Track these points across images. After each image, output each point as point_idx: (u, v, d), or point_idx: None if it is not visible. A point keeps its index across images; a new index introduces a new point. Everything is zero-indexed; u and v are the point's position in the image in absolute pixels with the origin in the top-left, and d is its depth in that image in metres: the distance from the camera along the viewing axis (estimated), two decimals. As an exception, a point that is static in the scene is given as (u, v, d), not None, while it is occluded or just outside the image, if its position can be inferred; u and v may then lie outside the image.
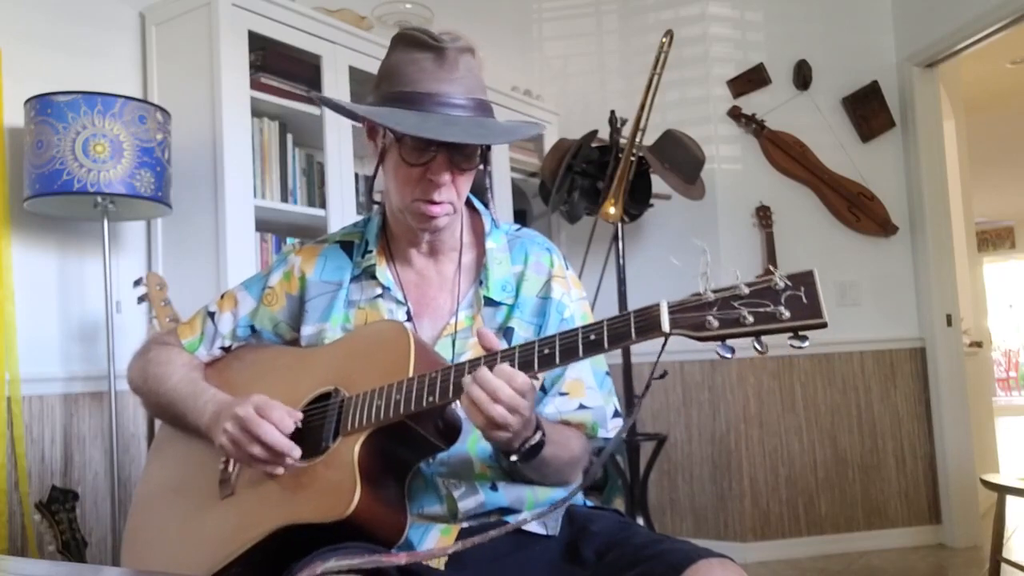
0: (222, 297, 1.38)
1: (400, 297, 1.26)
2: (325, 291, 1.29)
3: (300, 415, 1.13)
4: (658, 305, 0.94)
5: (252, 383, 1.27)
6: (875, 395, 3.64)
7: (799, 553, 3.48)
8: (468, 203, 1.33)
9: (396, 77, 1.16)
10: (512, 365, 1.00)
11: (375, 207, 1.35)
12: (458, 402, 1.09)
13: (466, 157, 1.17)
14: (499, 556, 1.12)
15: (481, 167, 1.23)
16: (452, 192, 1.18)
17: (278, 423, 1.10)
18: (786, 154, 3.67)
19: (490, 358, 1.01)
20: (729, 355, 0.91)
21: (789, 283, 0.88)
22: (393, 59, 1.18)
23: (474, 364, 1.01)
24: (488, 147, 1.21)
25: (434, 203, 1.17)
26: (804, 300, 0.87)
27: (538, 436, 1.06)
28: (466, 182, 1.20)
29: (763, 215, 3.61)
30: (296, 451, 1.10)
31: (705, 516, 3.57)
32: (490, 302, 1.24)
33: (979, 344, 4.50)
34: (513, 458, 1.05)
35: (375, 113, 1.15)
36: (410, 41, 1.16)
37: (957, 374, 3.61)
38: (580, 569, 1.11)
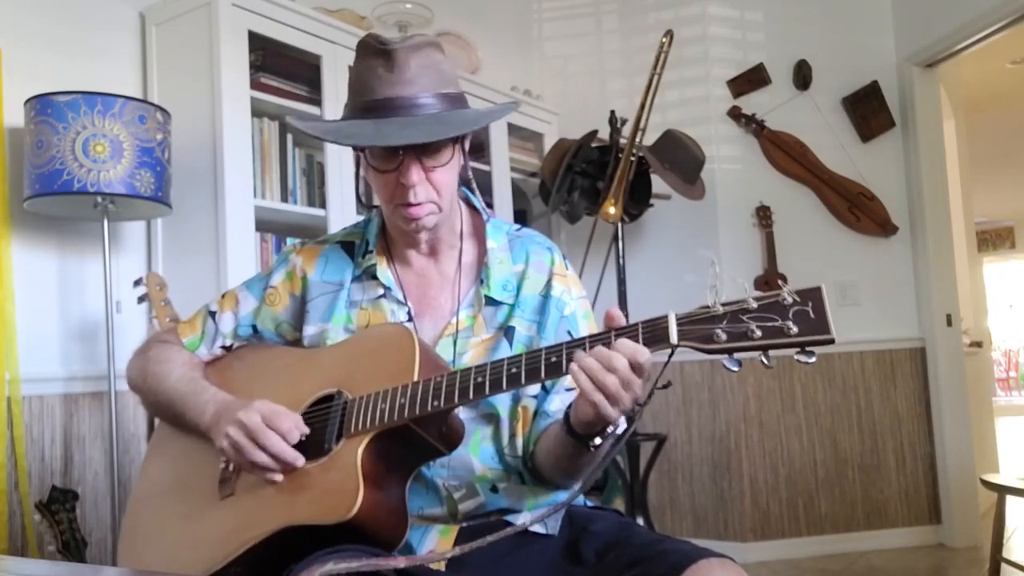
0: (223, 297, 1.38)
1: (400, 297, 1.26)
2: (326, 291, 1.29)
3: (306, 429, 1.12)
4: (666, 317, 0.94)
5: (253, 383, 1.27)
6: (875, 395, 3.64)
7: (799, 553, 3.48)
8: (468, 202, 1.33)
9: (357, 87, 1.18)
10: (518, 372, 1.00)
11: (374, 209, 1.35)
12: (462, 408, 1.08)
13: (433, 155, 1.16)
14: (499, 556, 1.12)
15: (462, 157, 1.22)
16: (430, 191, 1.17)
17: (286, 435, 1.10)
18: (786, 154, 3.67)
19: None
20: (736, 368, 0.92)
21: (797, 298, 0.89)
22: (355, 68, 1.19)
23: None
24: (459, 140, 1.20)
25: (413, 205, 1.17)
26: (812, 316, 0.89)
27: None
28: (444, 179, 1.18)
29: (763, 215, 3.61)
30: (300, 461, 1.10)
31: (705, 516, 3.57)
32: (491, 301, 1.24)
33: (979, 344, 4.50)
34: (598, 441, 1.04)
35: (330, 131, 1.17)
36: (364, 48, 1.17)
37: (957, 374, 3.61)
38: (580, 569, 1.11)
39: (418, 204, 1.17)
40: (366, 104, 1.15)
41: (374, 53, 1.15)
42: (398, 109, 1.13)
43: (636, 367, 0.95)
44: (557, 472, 1.17)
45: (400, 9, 3.16)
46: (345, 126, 1.16)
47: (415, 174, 1.15)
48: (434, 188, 1.17)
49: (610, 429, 1.04)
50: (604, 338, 0.97)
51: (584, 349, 0.98)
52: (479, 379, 1.02)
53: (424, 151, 1.15)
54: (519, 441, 1.20)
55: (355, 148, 1.21)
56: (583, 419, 1.02)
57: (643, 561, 1.02)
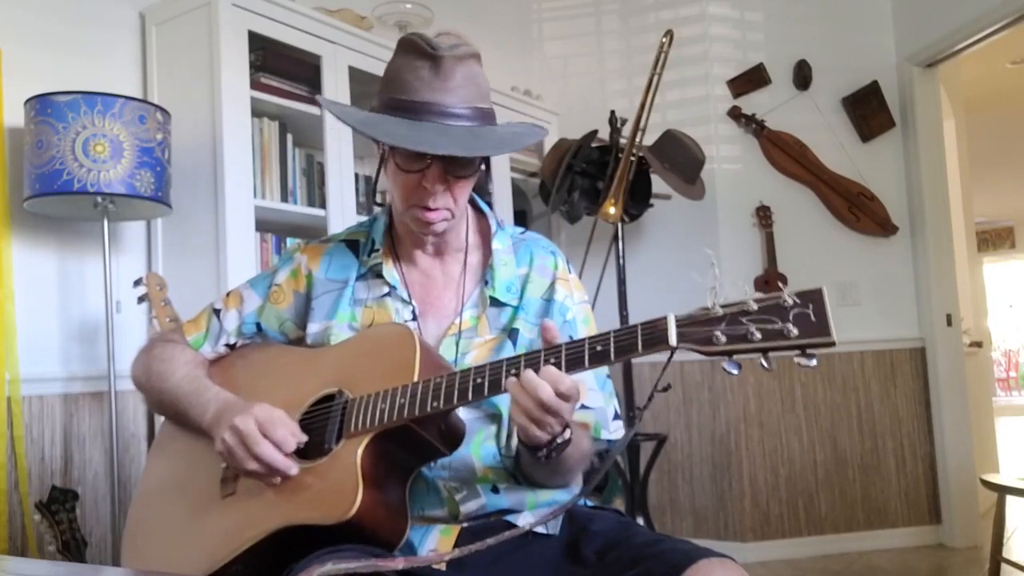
0: (227, 295, 1.38)
1: (405, 296, 1.26)
2: (331, 289, 1.29)
3: (304, 437, 1.12)
4: (665, 318, 0.94)
5: (256, 382, 1.27)
6: (875, 395, 3.64)
7: (799, 553, 3.48)
8: (473, 204, 1.34)
9: (395, 84, 1.17)
10: (518, 373, 0.99)
11: (378, 208, 1.35)
12: (461, 409, 1.08)
13: (461, 166, 1.17)
14: (500, 556, 1.12)
15: (483, 168, 1.23)
16: (448, 199, 1.18)
17: (280, 443, 1.09)
18: (786, 154, 3.67)
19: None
20: (735, 371, 0.91)
21: (798, 300, 0.88)
22: (395, 64, 1.19)
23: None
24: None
25: (430, 210, 1.17)
26: (812, 318, 0.87)
27: (567, 433, 1.05)
28: (463, 189, 1.20)
29: (763, 215, 3.61)
30: (293, 469, 1.10)
31: (705, 516, 3.57)
32: (495, 302, 1.24)
33: (979, 344, 4.50)
34: (540, 454, 1.05)
35: (367, 123, 1.17)
36: (410, 47, 1.17)
37: (957, 374, 3.61)
38: (580, 569, 1.11)
39: (435, 210, 1.17)
40: (402, 103, 1.15)
41: (420, 54, 1.15)
42: (435, 115, 1.13)
43: (560, 394, 0.96)
44: (533, 477, 1.18)
45: (400, 9, 3.16)
46: (380, 120, 1.16)
47: (439, 182, 1.15)
48: (452, 197, 1.18)
49: (559, 440, 1.04)
50: (618, 338, 0.97)
51: (584, 355, 0.97)
52: (478, 380, 1.02)
53: (454, 161, 1.15)
54: (514, 442, 1.20)
55: (380, 144, 1.20)
56: (519, 435, 1.04)
57: (643, 561, 1.02)
